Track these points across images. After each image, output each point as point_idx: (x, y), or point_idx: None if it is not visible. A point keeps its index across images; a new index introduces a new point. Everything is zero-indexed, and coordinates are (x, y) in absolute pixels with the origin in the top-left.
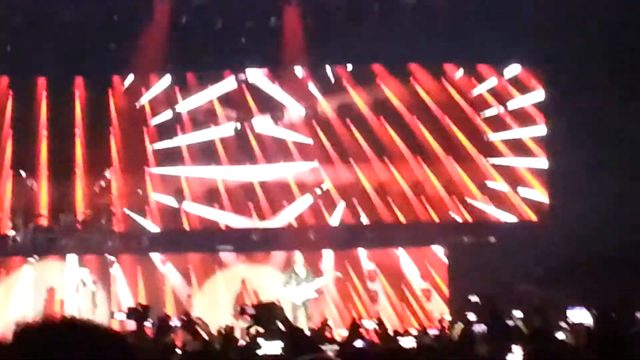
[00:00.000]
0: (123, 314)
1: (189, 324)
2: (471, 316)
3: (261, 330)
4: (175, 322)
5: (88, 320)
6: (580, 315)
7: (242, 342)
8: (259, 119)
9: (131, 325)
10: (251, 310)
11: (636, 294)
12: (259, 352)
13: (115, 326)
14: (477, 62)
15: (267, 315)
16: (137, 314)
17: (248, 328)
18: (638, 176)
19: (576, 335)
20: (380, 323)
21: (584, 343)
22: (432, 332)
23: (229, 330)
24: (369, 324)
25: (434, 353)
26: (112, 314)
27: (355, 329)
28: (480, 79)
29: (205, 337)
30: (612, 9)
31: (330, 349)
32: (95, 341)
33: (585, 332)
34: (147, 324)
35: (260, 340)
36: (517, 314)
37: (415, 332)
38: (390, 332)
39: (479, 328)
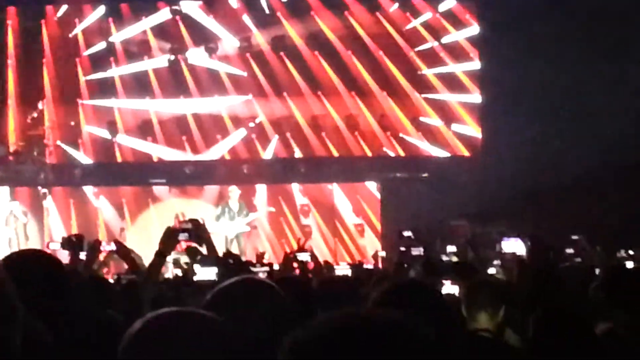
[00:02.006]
0: (57, 243)
1: (123, 251)
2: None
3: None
4: (106, 247)
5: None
6: (513, 246)
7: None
8: (193, 51)
9: (65, 255)
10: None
11: (568, 227)
12: (195, 278)
13: None
14: None
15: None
16: (72, 243)
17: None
18: (569, 111)
19: (508, 269)
20: (313, 256)
21: (515, 276)
22: (367, 266)
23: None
24: (303, 257)
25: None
26: (47, 245)
27: (288, 262)
28: (415, 13)
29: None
30: None
31: (262, 271)
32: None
33: (517, 265)
34: (82, 254)
35: (196, 266)
36: (451, 248)
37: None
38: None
39: (416, 252)
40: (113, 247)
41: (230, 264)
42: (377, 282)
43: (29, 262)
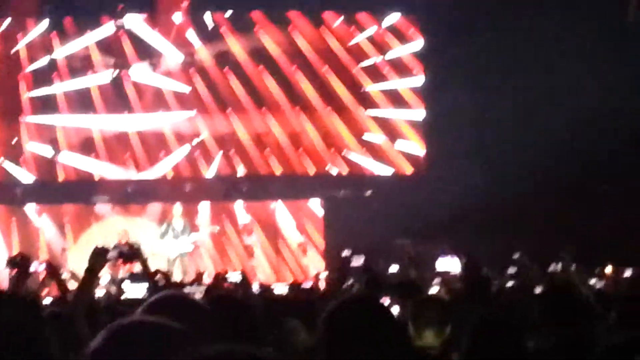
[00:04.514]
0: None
1: (53, 272)
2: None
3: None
4: (38, 267)
5: None
6: (447, 264)
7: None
8: (136, 67)
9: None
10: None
11: (510, 247)
12: (124, 296)
13: None
14: (356, 10)
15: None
16: (17, 263)
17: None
18: (513, 127)
19: (449, 287)
20: (244, 276)
21: (455, 294)
22: (307, 284)
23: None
24: (234, 277)
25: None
26: None
27: (218, 281)
28: (360, 28)
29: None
30: None
31: (196, 290)
32: None
33: (456, 282)
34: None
35: (125, 284)
36: (393, 268)
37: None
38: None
39: (356, 262)
40: (43, 267)
41: (157, 282)
42: (320, 300)
43: None
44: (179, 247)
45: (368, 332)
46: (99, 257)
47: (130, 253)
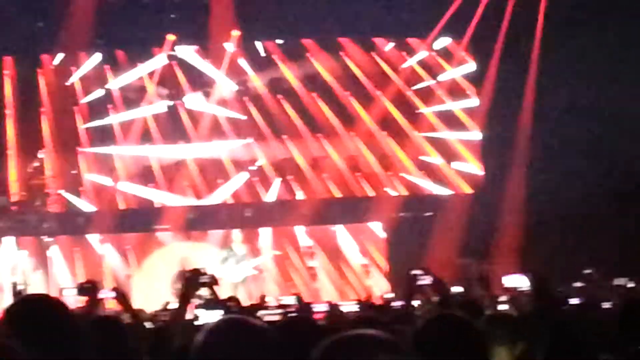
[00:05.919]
0: (71, 290)
1: (122, 297)
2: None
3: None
4: (107, 294)
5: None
6: (515, 282)
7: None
8: (190, 96)
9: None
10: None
11: (573, 263)
12: (197, 322)
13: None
14: (406, 35)
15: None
16: (88, 289)
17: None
18: (566, 146)
19: (519, 304)
20: (299, 299)
21: (526, 309)
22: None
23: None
24: (288, 300)
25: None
26: (59, 292)
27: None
28: (411, 52)
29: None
30: None
31: (267, 314)
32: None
33: (526, 299)
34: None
35: (198, 310)
36: (457, 289)
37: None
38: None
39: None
40: (112, 294)
41: (230, 308)
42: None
43: (35, 308)
44: (241, 272)
45: (459, 349)
46: (191, 283)
47: (211, 280)
